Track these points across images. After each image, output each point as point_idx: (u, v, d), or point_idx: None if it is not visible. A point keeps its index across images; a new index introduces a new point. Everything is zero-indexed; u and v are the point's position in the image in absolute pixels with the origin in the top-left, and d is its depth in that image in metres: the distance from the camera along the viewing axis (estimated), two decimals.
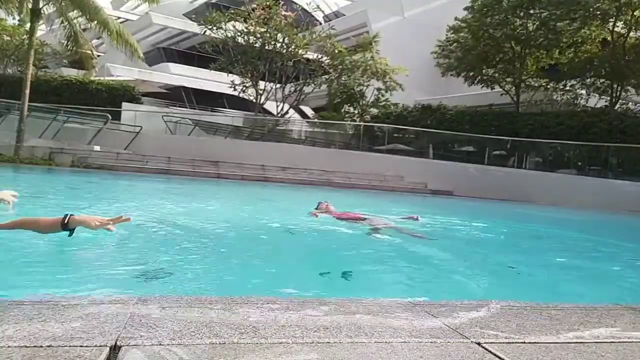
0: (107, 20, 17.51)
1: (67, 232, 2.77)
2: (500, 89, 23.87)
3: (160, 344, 1.22)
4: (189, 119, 23.95)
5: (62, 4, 17.31)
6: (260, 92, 24.46)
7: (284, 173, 17.39)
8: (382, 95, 25.93)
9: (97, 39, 32.27)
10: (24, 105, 16.54)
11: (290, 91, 25.93)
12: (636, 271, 4.36)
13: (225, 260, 3.29)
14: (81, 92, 23.95)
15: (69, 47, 19.23)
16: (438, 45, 25.49)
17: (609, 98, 21.74)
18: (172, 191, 10.90)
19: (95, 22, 17.34)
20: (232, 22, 23.80)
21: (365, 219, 5.79)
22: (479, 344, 1.41)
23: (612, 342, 1.53)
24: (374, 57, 24.92)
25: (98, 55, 20.48)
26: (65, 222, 2.67)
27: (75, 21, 18.26)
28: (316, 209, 6.31)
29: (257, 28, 23.28)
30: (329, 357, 1.23)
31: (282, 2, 24.32)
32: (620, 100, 21.60)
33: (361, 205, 8.41)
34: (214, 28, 23.61)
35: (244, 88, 25.01)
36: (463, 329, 1.52)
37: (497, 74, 23.78)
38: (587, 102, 23.23)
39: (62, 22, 17.96)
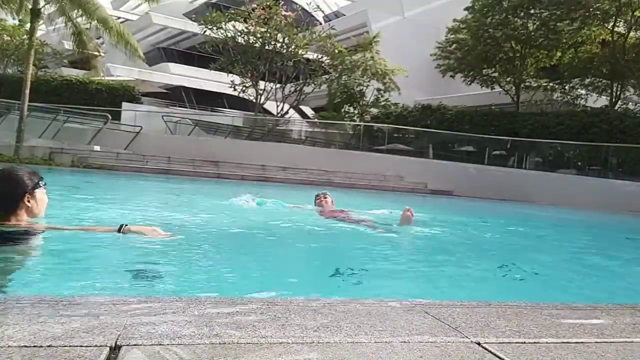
0: (106, 19, 17.51)
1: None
2: (500, 89, 23.89)
3: (160, 344, 1.22)
4: (189, 119, 23.98)
5: (63, 3, 17.31)
6: (260, 92, 24.46)
7: (284, 173, 17.40)
8: (382, 96, 25.94)
9: (97, 38, 32.28)
10: (24, 105, 16.55)
11: (290, 91, 25.94)
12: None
13: (225, 261, 3.29)
14: (81, 92, 23.99)
15: (74, 48, 19.25)
16: (437, 47, 25.49)
17: (609, 98, 21.75)
18: (171, 191, 10.90)
19: (95, 21, 17.35)
20: (232, 22, 23.80)
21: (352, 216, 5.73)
22: (479, 344, 1.41)
23: (612, 342, 1.53)
24: (374, 57, 24.93)
25: (98, 55, 20.47)
26: (121, 231, 3.06)
27: (76, 21, 18.26)
28: (315, 202, 6.20)
29: (257, 28, 23.28)
30: (329, 357, 1.23)
31: (282, 2, 24.32)
32: (620, 100, 21.61)
33: (361, 205, 8.40)
34: (214, 28, 23.62)
35: (244, 88, 25.02)
36: (463, 329, 1.52)
37: (497, 74, 23.80)
38: (586, 102, 23.24)
39: (65, 22, 17.96)
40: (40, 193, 2.99)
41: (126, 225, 3.10)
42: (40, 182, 2.99)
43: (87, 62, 21.47)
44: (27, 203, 2.90)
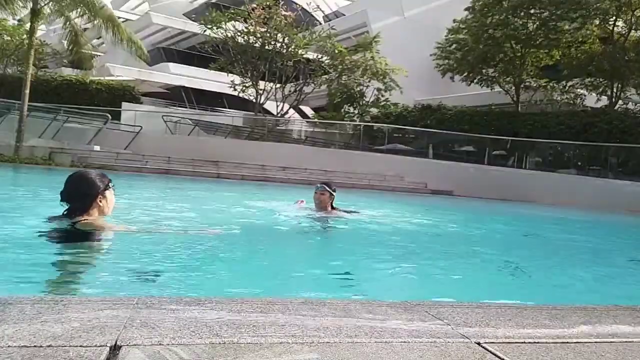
0: (112, 17, 17.53)
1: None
2: (501, 89, 23.88)
3: (160, 344, 1.22)
4: (189, 119, 23.97)
5: (63, 3, 17.29)
6: (260, 92, 24.46)
7: (284, 173, 17.40)
8: (382, 96, 25.92)
9: (97, 38, 32.27)
10: (24, 105, 16.54)
11: (290, 91, 25.93)
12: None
13: (224, 260, 3.29)
14: (81, 92, 23.97)
15: (69, 48, 19.22)
16: (437, 47, 25.48)
17: (609, 98, 21.75)
18: (168, 191, 10.90)
19: (100, 19, 17.33)
20: (232, 21, 23.80)
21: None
22: (479, 344, 1.41)
23: (612, 342, 1.53)
24: (374, 57, 24.91)
25: (96, 55, 20.37)
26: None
27: (76, 20, 18.22)
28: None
29: (257, 28, 23.28)
30: (329, 357, 1.23)
31: (282, 2, 24.32)
32: (620, 100, 21.61)
33: (361, 205, 8.40)
34: (214, 28, 23.62)
35: (244, 88, 25.02)
36: (463, 329, 1.52)
37: (496, 74, 23.79)
38: (584, 102, 23.23)
39: (64, 22, 17.93)
40: (109, 194, 3.23)
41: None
42: (109, 184, 3.24)
43: (81, 62, 21.30)
44: (99, 203, 3.14)
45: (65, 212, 3.10)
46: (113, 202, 3.28)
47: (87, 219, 3.07)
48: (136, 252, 3.05)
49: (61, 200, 3.07)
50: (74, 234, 2.97)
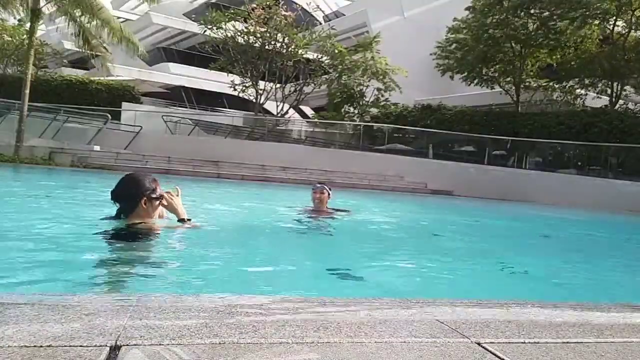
0: (109, 19, 17.54)
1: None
2: (501, 89, 23.89)
3: (160, 344, 1.22)
4: (189, 119, 23.98)
5: (64, 2, 17.27)
6: (260, 92, 24.46)
7: (284, 173, 17.40)
8: (382, 95, 25.92)
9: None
10: (24, 105, 16.55)
11: (290, 91, 25.93)
12: None
13: (224, 259, 3.29)
14: (81, 92, 24.00)
15: (80, 47, 19.22)
16: (437, 46, 25.48)
17: (608, 98, 21.75)
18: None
19: (99, 20, 17.33)
20: (232, 21, 23.81)
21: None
22: (479, 343, 1.41)
23: (612, 341, 1.53)
24: (374, 57, 24.90)
25: (97, 55, 20.36)
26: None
27: (80, 19, 18.23)
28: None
29: (257, 28, 23.29)
30: (329, 357, 1.23)
31: (282, 2, 24.32)
32: (620, 100, 21.61)
33: (361, 205, 8.41)
34: (214, 28, 23.62)
35: (244, 88, 25.02)
36: (463, 329, 1.52)
37: (496, 74, 23.79)
38: (585, 101, 23.23)
39: (68, 21, 17.91)
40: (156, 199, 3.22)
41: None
42: (157, 189, 3.24)
43: (89, 61, 21.21)
44: (143, 205, 3.12)
45: (116, 213, 3.18)
46: (159, 207, 3.25)
47: (134, 220, 3.11)
48: (161, 250, 3.10)
49: (111, 199, 3.13)
50: (121, 234, 3.03)
